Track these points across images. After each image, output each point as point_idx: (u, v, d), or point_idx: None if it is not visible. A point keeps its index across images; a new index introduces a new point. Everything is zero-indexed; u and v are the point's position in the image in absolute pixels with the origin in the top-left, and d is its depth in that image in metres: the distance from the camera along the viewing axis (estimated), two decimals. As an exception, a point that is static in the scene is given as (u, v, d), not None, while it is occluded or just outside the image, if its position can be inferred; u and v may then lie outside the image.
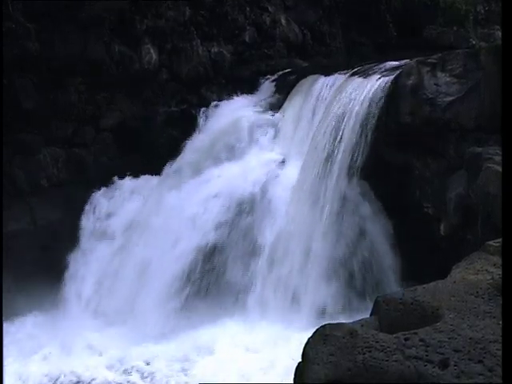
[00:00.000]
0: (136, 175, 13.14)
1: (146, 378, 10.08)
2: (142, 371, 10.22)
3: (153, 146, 13.27)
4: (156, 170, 12.96)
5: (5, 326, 11.94)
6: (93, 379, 10.16)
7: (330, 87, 11.85)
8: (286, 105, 12.84)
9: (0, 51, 11.40)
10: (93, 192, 13.00)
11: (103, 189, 13.06)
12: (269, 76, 14.15)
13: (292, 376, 8.81)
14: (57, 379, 10.23)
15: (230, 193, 11.55)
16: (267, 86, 13.78)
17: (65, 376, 10.29)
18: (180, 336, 10.66)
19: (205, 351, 10.28)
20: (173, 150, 12.79)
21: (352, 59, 15.06)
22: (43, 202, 13.00)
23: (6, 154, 12.81)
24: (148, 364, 10.33)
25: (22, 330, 11.89)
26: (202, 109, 13.60)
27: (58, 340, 11.30)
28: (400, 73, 10.65)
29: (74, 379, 10.21)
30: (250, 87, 13.93)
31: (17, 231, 12.63)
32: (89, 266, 12.49)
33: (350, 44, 16.39)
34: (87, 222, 12.83)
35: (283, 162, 11.92)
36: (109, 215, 12.85)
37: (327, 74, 12.42)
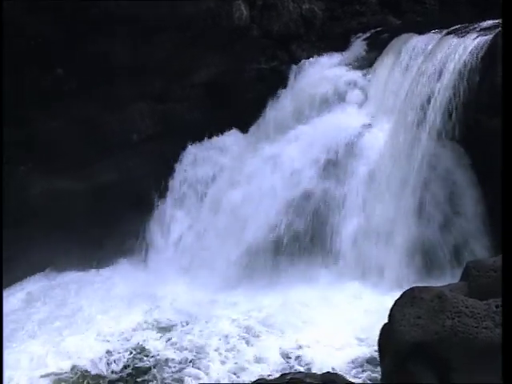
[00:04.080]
0: (225, 130, 13.31)
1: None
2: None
3: (242, 102, 13.29)
4: (245, 126, 13.10)
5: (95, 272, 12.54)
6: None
7: (424, 47, 11.51)
8: (377, 64, 12.58)
9: (0, 51, 11.43)
10: (182, 147, 13.22)
11: (193, 144, 13.28)
12: (360, 34, 13.80)
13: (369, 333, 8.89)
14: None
15: (316, 151, 11.53)
16: (358, 45, 13.49)
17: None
18: (269, 294, 10.81)
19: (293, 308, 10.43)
20: (262, 107, 12.85)
21: (447, 18, 14.52)
22: (134, 156, 13.31)
23: (98, 108, 13.18)
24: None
25: (113, 276, 12.43)
26: (292, 66, 13.49)
27: (143, 289, 11.74)
28: (498, 32, 10.21)
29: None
30: (340, 45, 13.65)
31: (107, 184, 13.06)
32: (176, 218, 12.83)
33: (445, 1, 15.80)
34: (176, 176, 13.11)
35: (371, 122, 11.74)
36: (198, 170, 13.08)
37: (421, 32, 12.06)
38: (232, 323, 10.30)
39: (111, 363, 9.64)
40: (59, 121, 13.21)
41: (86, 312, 11.14)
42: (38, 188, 12.92)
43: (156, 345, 9.96)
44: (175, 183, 13.09)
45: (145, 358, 9.72)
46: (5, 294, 11.83)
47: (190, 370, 9.25)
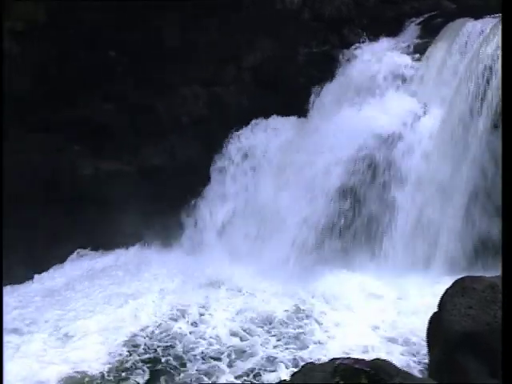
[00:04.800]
0: (274, 115, 13.26)
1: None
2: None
3: (292, 87, 13.20)
4: (295, 110, 13.00)
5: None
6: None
7: (480, 32, 11.24)
8: (430, 49, 12.32)
9: (0, 51, 11.48)
10: (231, 130, 13.27)
11: (242, 127, 13.31)
12: (414, 18, 13.52)
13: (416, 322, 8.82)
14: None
15: (367, 136, 11.41)
16: (412, 29, 13.24)
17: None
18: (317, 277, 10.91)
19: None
20: (312, 91, 12.73)
21: (505, 1, 14.10)
22: (183, 139, 13.42)
23: (148, 91, 13.30)
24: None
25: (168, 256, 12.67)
26: (344, 50, 13.27)
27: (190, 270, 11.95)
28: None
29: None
30: (393, 29, 13.39)
31: (157, 166, 13.22)
32: (225, 200, 12.92)
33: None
34: (224, 159, 13.19)
35: (424, 108, 11.55)
36: (246, 153, 13.13)
37: (477, 17, 11.77)
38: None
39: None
40: (111, 103, 13.43)
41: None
42: (90, 169, 13.16)
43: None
44: (224, 165, 13.15)
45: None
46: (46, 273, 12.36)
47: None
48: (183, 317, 10.40)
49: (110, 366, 9.18)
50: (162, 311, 10.58)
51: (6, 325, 9.97)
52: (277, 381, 7.38)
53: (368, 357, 6.17)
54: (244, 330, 9.93)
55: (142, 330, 10.06)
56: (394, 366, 4.26)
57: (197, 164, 13.03)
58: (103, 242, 13.19)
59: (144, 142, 13.35)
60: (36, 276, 12.42)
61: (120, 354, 9.45)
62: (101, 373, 9.02)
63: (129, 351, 9.54)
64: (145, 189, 12.88)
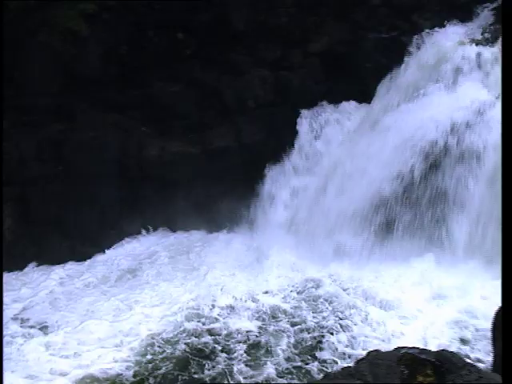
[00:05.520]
0: (342, 100, 13.16)
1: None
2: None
3: (359, 72, 13.07)
4: (363, 97, 12.88)
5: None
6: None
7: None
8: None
9: (0, 50, 11.52)
10: (298, 115, 13.20)
11: (308, 111, 13.22)
12: (488, 4, 13.10)
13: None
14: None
15: (432, 129, 11.21)
16: (485, 15, 12.81)
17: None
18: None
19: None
20: (380, 78, 12.55)
21: None
22: (249, 122, 13.45)
23: (215, 73, 13.37)
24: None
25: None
26: (414, 36, 12.92)
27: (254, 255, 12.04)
28: None
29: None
30: (465, 15, 12.99)
31: (222, 149, 13.30)
32: (291, 185, 12.92)
33: None
34: (290, 144, 13.11)
35: (495, 100, 11.16)
36: (314, 137, 13.06)
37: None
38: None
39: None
40: (178, 84, 13.57)
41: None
42: (155, 149, 13.31)
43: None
44: (290, 150, 13.10)
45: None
46: (112, 250, 12.77)
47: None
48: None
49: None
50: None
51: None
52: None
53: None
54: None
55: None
56: (460, 358, 4.22)
57: (262, 147, 13.02)
58: (167, 223, 13.38)
59: (210, 124, 13.45)
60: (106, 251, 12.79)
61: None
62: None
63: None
64: (209, 171, 13.00)
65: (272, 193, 12.96)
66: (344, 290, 10.49)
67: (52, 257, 12.33)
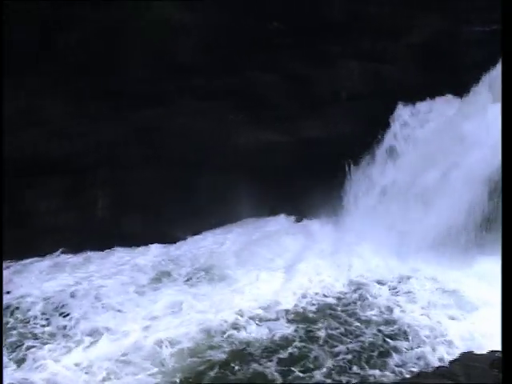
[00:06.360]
0: (438, 95, 12.89)
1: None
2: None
3: (458, 67, 12.72)
4: (460, 92, 12.47)
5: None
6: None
7: None
8: None
9: (1, 50, 11.43)
10: (392, 108, 13.05)
11: (403, 104, 13.06)
12: None
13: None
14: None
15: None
16: None
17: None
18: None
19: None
20: (478, 72, 12.05)
21: None
22: (341, 114, 13.40)
23: (308, 64, 13.33)
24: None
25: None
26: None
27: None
28: None
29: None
30: None
31: (313, 139, 13.30)
32: (381, 176, 12.82)
33: None
34: (385, 136, 13.04)
35: None
36: (410, 132, 12.92)
37: None
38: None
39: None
40: (270, 74, 13.58)
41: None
42: (245, 138, 13.44)
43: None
44: (383, 142, 13.00)
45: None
46: (200, 238, 13.09)
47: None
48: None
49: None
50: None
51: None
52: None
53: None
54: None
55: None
56: None
57: (354, 139, 12.84)
58: (258, 212, 13.54)
59: (301, 114, 13.45)
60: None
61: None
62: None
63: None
64: (300, 160, 13.02)
65: (362, 184, 12.89)
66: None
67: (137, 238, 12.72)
